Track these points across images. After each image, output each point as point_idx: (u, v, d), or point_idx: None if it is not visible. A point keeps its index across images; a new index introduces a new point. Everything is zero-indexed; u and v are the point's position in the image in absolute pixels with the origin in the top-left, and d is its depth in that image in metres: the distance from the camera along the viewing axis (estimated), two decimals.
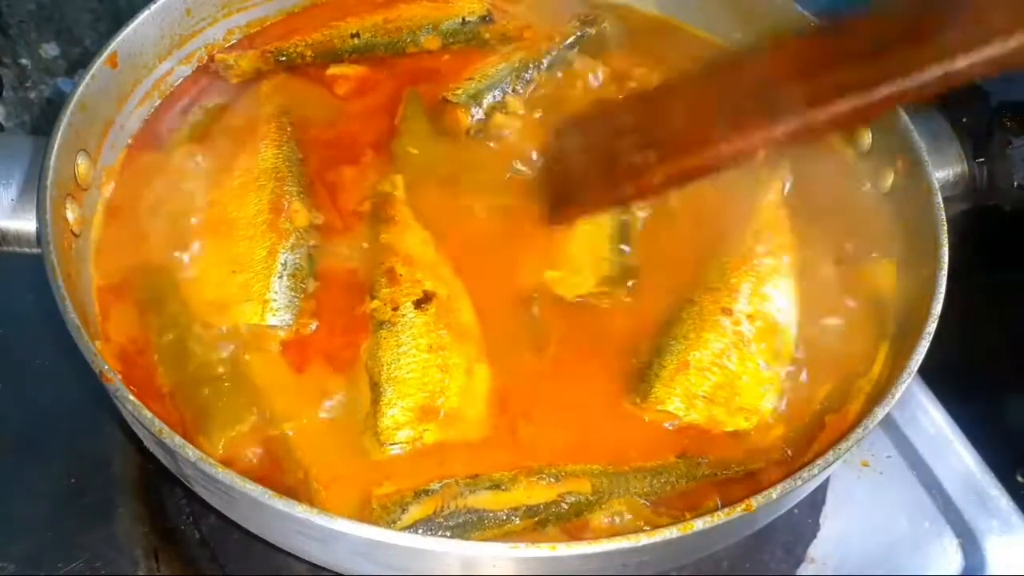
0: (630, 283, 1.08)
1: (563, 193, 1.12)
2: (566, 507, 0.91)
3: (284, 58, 1.27)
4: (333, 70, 1.26)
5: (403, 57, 1.30)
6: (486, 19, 1.32)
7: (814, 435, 0.98)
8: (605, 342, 1.05)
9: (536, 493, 0.91)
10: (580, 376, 1.02)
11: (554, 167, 1.16)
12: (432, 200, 1.14)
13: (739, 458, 0.97)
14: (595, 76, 1.29)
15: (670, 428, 0.99)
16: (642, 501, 0.93)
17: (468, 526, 0.89)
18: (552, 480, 0.92)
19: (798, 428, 1.00)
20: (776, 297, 1.08)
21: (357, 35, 1.28)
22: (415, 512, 0.89)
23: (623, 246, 1.11)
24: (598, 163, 1.08)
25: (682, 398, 0.99)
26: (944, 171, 1.20)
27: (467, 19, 1.31)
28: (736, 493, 0.93)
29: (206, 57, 1.27)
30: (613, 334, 1.05)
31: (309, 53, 1.28)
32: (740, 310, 1.05)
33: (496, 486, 0.91)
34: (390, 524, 0.88)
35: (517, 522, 0.90)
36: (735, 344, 1.03)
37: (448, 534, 0.88)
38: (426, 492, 0.90)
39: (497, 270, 1.08)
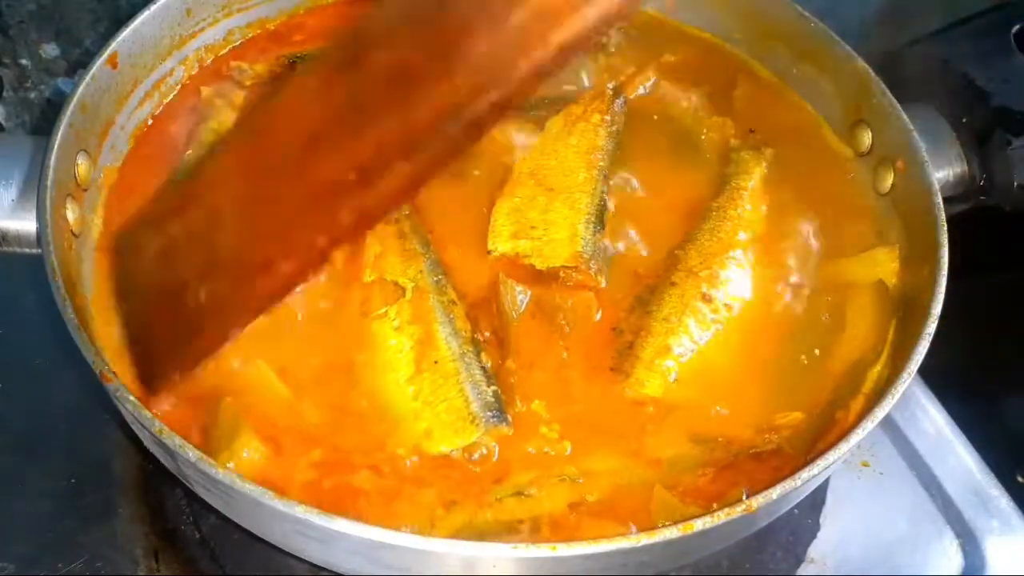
0: (603, 267, 1.08)
1: (152, 346, 0.87)
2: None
3: (297, 62, 1.27)
4: None
5: None
6: None
7: (820, 433, 0.98)
8: (582, 323, 1.05)
9: (559, 497, 0.92)
10: (561, 355, 1.03)
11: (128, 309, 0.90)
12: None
13: (750, 439, 0.98)
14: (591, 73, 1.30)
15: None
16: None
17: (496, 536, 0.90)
18: (572, 481, 0.93)
19: (810, 420, 1.00)
20: (758, 286, 1.09)
21: None
22: (444, 526, 0.89)
23: (599, 228, 1.11)
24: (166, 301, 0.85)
25: (662, 382, 1.00)
26: (944, 171, 1.20)
27: None
28: (761, 479, 0.93)
29: (208, 59, 1.28)
30: (589, 316, 1.06)
31: None
32: (719, 297, 1.06)
33: (519, 492, 0.92)
34: None
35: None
36: (713, 332, 1.04)
37: None
38: (452, 502, 0.91)
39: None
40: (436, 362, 0.98)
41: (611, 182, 1.16)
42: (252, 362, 0.99)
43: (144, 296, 0.87)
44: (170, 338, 0.85)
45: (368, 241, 1.09)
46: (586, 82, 1.29)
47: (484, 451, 0.95)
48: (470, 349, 0.99)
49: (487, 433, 0.94)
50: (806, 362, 1.05)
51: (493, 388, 0.97)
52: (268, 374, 0.98)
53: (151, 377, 0.87)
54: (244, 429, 0.92)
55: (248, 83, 1.25)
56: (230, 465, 0.89)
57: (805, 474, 0.85)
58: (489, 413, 0.95)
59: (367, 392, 0.99)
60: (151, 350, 0.87)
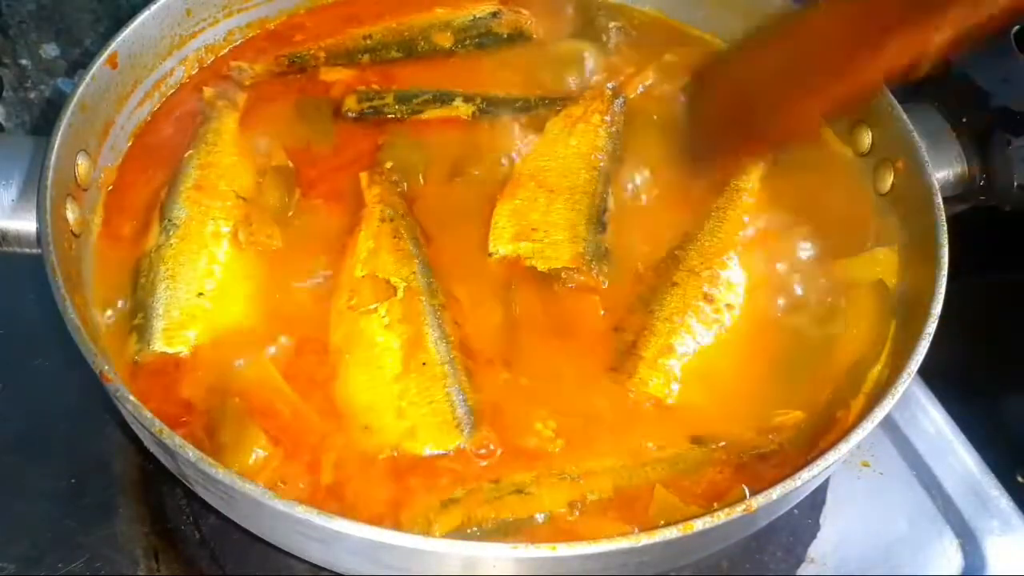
0: (605, 268, 1.08)
1: (707, 140, 1.14)
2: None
3: (297, 61, 1.28)
4: (326, 75, 1.27)
5: (406, 62, 1.31)
6: (495, 15, 1.35)
7: (821, 433, 0.98)
8: (585, 323, 1.05)
9: (559, 495, 0.92)
10: (565, 355, 1.03)
11: (696, 112, 1.17)
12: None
13: (751, 439, 0.98)
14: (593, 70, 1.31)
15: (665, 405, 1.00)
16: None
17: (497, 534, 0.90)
18: (573, 479, 0.93)
19: (810, 420, 1.00)
20: (758, 287, 1.09)
21: (369, 36, 1.31)
22: (443, 524, 0.89)
23: (600, 228, 1.11)
24: (741, 105, 1.08)
25: (665, 381, 1.01)
26: (944, 171, 1.20)
27: (477, 16, 1.34)
28: (761, 479, 0.93)
29: (208, 59, 1.28)
30: (594, 318, 1.06)
31: (322, 56, 1.29)
32: (720, 297, 1.06)
33: (519, 491, 0.91)
34: None
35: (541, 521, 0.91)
36: (715, 331, 1.04)
37: None
38: (451, 501, 0.90)
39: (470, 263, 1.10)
40: (424, 364, 0.98)
41: (611, 183, 1.16)
42: (256, 362, 0.99)
43: (710, 113, 1.14)
44: (728, 138, 1.13)
45: (361, 236, 1.09)
46: (586, 82, 1.29)
47: (482, 451, 0.95)
48: (457, 355, 1.00)
49: (471, 439, 0.95)
50: (806, 362, 1.05)
51: (475, 397, 0.98)
52: (274, 374, 0.98)
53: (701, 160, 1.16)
54: (252, 429, 0.92)
55: (248, 83, 1.25)
56: (236, 468, 0.88)
57: (805, 474, 0.85)
58: (472, 419, 0.96)
59: (351, 386, 0.99)
60: (707, 149, 1.15)
